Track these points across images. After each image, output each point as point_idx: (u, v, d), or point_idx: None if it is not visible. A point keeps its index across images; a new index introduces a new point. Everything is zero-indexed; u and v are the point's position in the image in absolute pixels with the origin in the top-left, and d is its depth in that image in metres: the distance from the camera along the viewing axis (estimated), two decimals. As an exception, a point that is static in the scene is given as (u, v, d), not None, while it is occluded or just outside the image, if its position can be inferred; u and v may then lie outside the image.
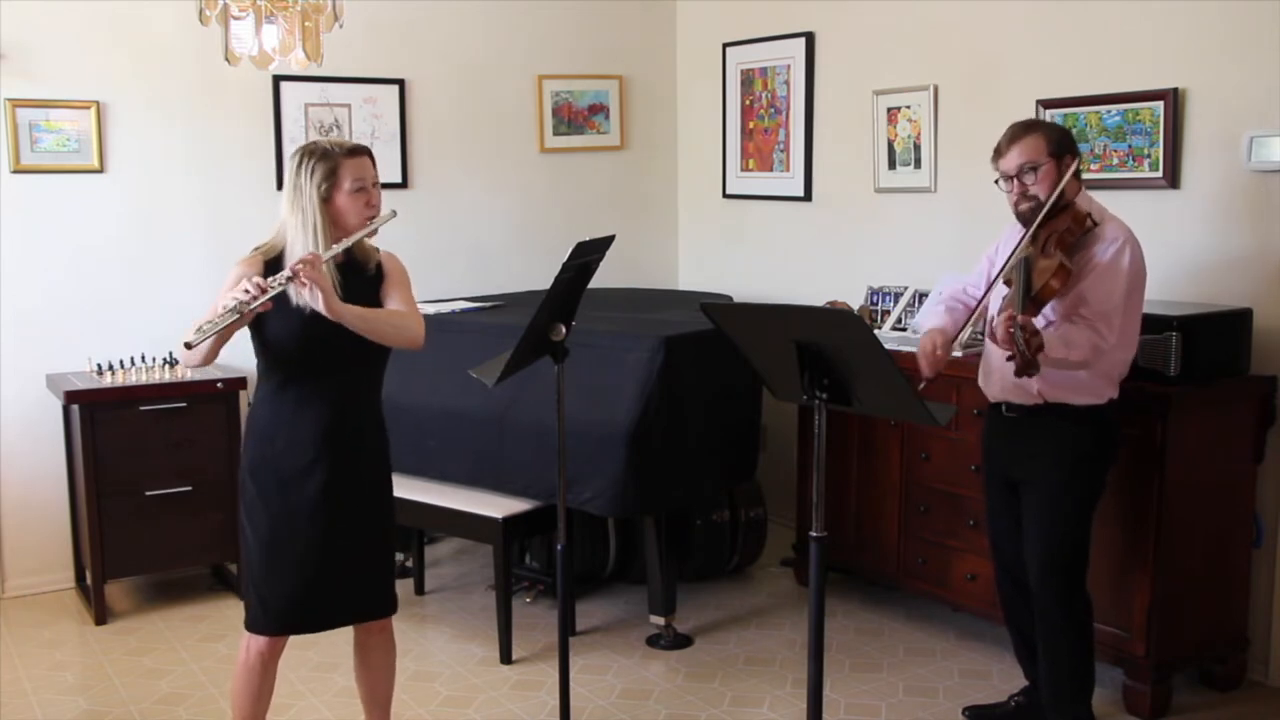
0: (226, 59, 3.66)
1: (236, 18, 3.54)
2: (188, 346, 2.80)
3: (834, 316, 2.76)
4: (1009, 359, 3.09)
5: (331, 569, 2.98)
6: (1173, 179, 4.03)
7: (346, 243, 2.88)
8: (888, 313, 4.79)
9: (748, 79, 5.75)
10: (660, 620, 4.35)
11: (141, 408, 4.60)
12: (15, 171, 4.73)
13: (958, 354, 4.17)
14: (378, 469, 3.08)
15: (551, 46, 5.83)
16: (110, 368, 4.77)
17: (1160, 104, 4.01)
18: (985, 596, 4.08)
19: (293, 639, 3.08)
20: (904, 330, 4.62)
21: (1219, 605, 3.84)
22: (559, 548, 3.23)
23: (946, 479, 4.24)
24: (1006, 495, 3.50)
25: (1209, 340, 3.66)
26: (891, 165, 5.06)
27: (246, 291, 2.75)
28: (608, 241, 3.21)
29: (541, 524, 4.31)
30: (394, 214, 2.97)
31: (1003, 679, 3.94)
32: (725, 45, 5.84)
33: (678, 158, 6.26)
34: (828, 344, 2.65)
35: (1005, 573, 3.57)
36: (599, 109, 5.99)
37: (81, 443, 4.52)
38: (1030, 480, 3.39)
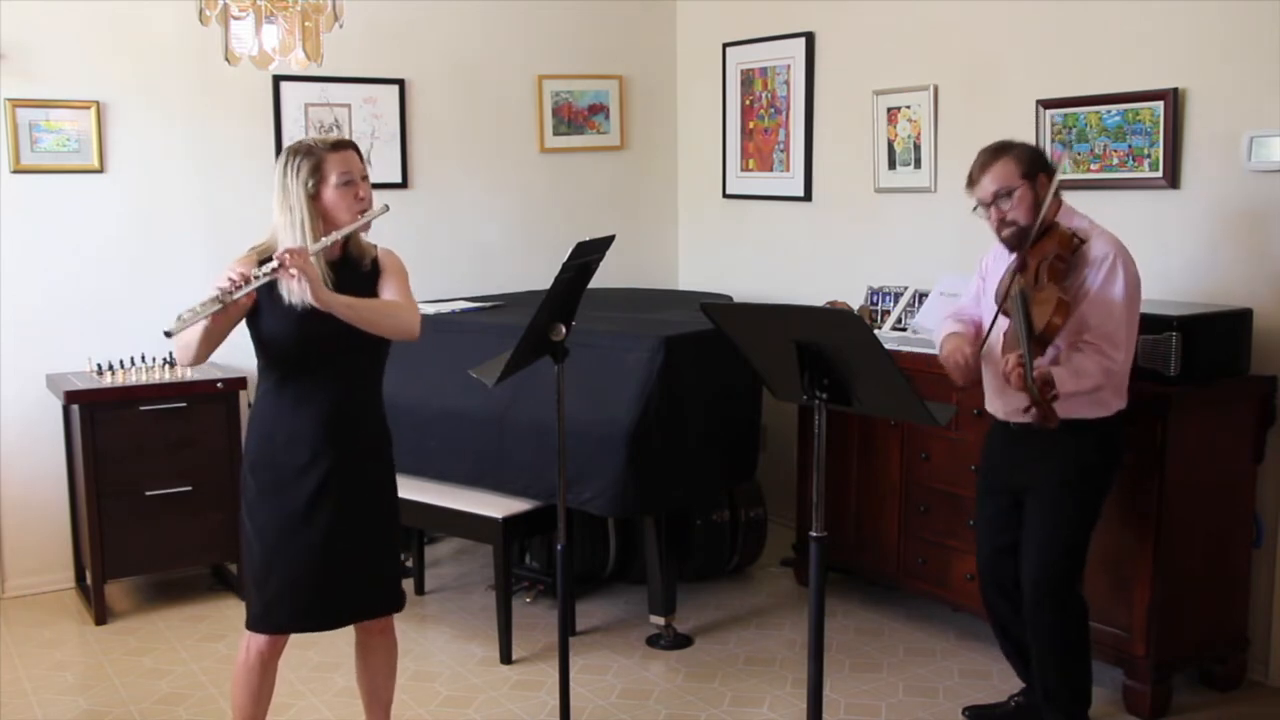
0: (226, 59, 3.66)
1: (236, 18, 3.54)
2: (167, 335, 2.78)
3: (834, 316, 2.76)
4: (1025, 410, 3.12)
5: (332, 567, 2.98)
6: (1173, 179, 4.03)
7: (336, 235, 2.87)
8: (888, 313, 4.79)
9: (748, 79, 5.75)
10: (660, 620, 4.35)
11: (141, 408, 4.60)
12: (15, 171, 4.73)
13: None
14: (379, 466, 3.08)
15: (551, 46, 5.83)
16: (110, 368, 4.77)
17: (1160, 104, 4.01)
18: (985, 596, 4.08)
19: (293, 638, 3.08)
20: (904, 330, 4.62)
21: (1219, 605, 3.84)
22: (559, 548, 3.23)
23: (946, 479, 4.24)
24: (1007, 509, 3.47)
25: (1209, 340, 3.66)
26: (891, 165, 5.06)
27: (230, 280, 2.74)
28: (608, 241, 3.21)
29: (541, 524, 4.31)
30: (386, 208, 2.97)
31: (1003, 679, 3.94)
32: (725, 45, 5.84)
33: (678, 158, 6.26)
34: (828, 344, 2.65)
35: (991, 583, 3.57)
36: (599, 109, 6.00)
37: (81, 443, 4.52)
38: (1034, 488, 3.38)
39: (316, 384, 2.95)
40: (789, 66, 5.51)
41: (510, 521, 4.20)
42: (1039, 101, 4.38)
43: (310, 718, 3.80)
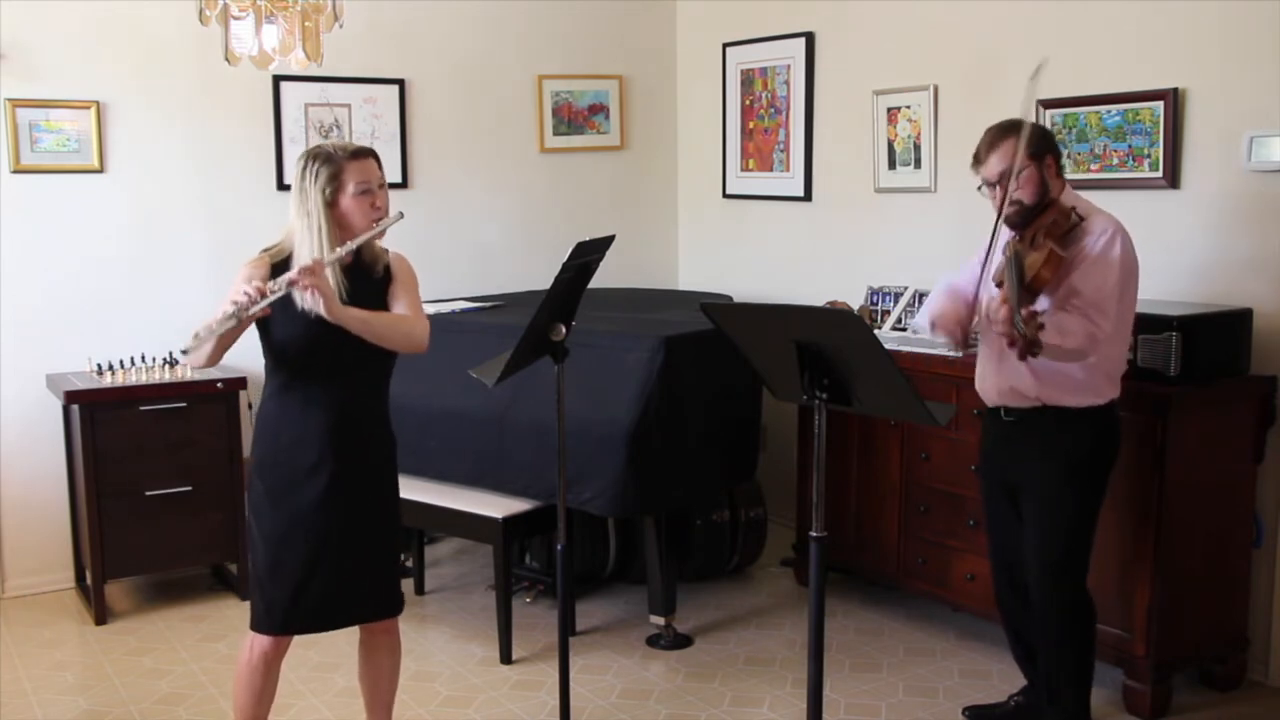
0: (226, 59, 3.66)
1: (236, 18, 3.54)
2: (184, 353, 2.82)
3: (834, 316, 2.76)
4: (1010, 345, 3.06)
5: (336, 569, 2.99)
6: (1173, 179, 4.03)
7: (351, 245, 2.88)
8: (888, 313, 4.79)
9: (748, 79, 5.75)
10: (660, 620, 4.35)
11: (141, 408, 4.60)
12: (15, 171, 4.73)
13: (957, 354, 4.19)
14: (383, 470, 3.09)
15: (551, 46, 5.83)
16: (110, 368, 4.77)
17: (1160, 104, 4.01)
18: (985, 596, 4.07)
19: (294, 639, 3.09)
20: (904, 330, 4.62)
21: (1219, 605, 3.84)
22: (559, 548, 3.23)
23: (946, 479, 4.24)
24: (1005, 501, 3.47)
25: (1209, 340, 3.66)
26: (891, 165, 5.06)
27: (246, 295, 2.76)
28: (608, 241, 3.21)
29: (541, 524, 4.31)
30: (400, 215, 2.97)
31: (1003, 679, 3.94)
32: (725, 45, 5.84)
33: (678, 158, 6.26)
34: (828, 344, 2.65)
35: (1003, 578, 3.56)
36: (599, 109, 6.00)
37: (81, 443, 4.52)
38: (1029, 484, 3.37)
39: (324, 388, 2.96)
40: (789, 66, 5.51)
41: (510, 521, 4.20)
42: (1039, 101, 4.37)
43: (310, 718, 3.80)
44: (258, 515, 3.00)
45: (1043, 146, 3.27)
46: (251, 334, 2.95)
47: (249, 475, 3.04)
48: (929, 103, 4.85)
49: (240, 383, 4.72)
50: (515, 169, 5.82)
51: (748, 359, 2.93)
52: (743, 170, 5.85)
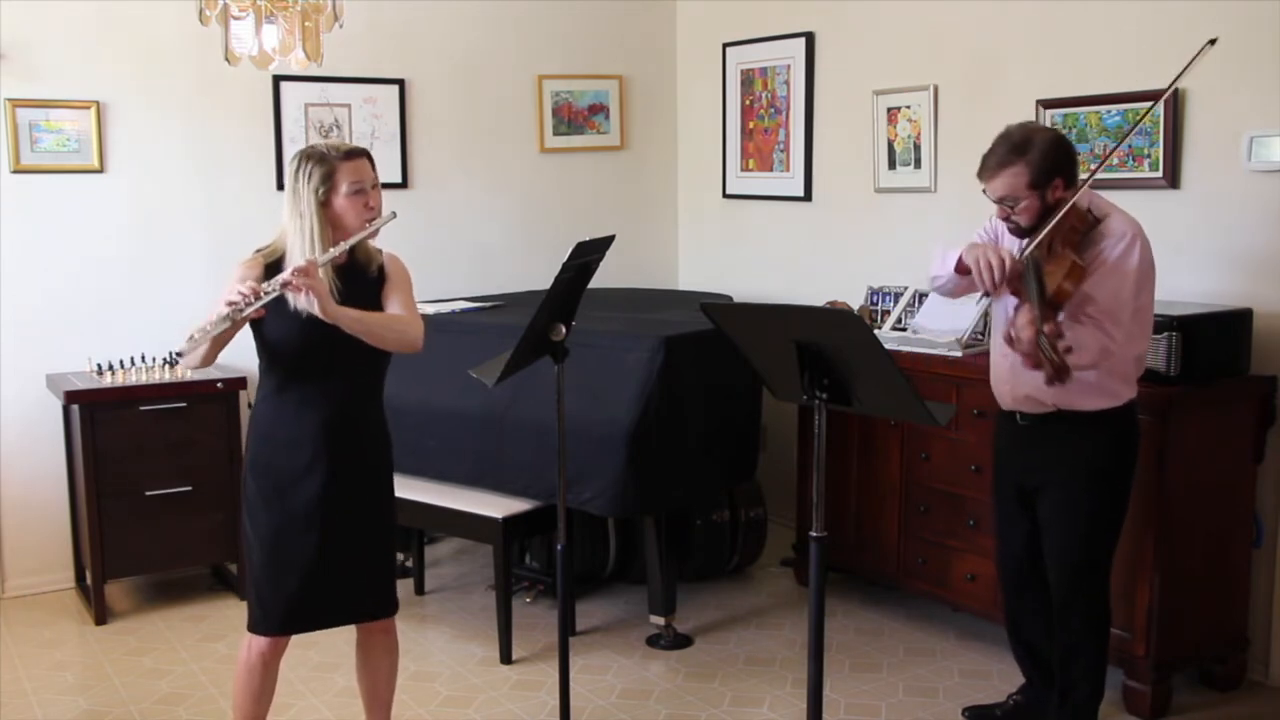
0: (226, 59, 3.66)
1: (236, 18, 3.54)
2: (179, 355, 2.82)
3: (834, 316, 2.75)
4: (1034, 367, 2.97)
5: (332, 569, 2.99)
6: (1173, 179, 4.03)
7: (344, 246, 2.89)
8: (888, 313, 4.79)
9: (748, 79, 5.75)
10: (660, 620, 4.35)
11: (141, 408, 4.60)
12: (15, 171, 4.73)
13: (957, 354, 4.19)
14: (379, 470, 3.09)
15: (551, 46, 5.83)
16: (110, 368, 4.77)
17: (1160, 104, 4.01)
18: (985, 596, 4.08)
19: (293, 639, 3.09)
20: (904, 330, 4.62)
21: (1219, 605, 3.84)
22: (559, 548, 3.23)
23: (946, 479, 4.24)
24: (1017, 503, 3.42)
25: (1209, 340, 3.66)
26: (891, 165, 5.06)
27: (240, 295, 2.76)
28: (608, 241, 3.21)
29: (541, 524, 4.31)
30: (394, 215, 2.98)
31: (1003, 679, 3.94)
32: (725, 45, 5.84)
33: (678, 158, 6.26)
34: (828, 344, 2.65)
35: (1009, 575, 3.53)
36: (599, 109, 6.00)
37: (81, 443, 4.52)
38: (1048, 489, 3.30)
39: (319, 388, 2.96)
40: (789, 66, 5.51)
41: (510, 521, 4.20)
42: (1039, 101, 4.38)
43: (310, 718, 3.80)
44: (252, 516, 3.00)
45: (1050, 173, 3.12)
46: (248, 334, 2.95)
47: (243, 477, 3.04)
48: (929, 103, 4.85)
49: (240, 383, 4.71)
50: (515, 169, 5.82)
51: (748, 359, 2.93)
52: (743, 170, 5.85)
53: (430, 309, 4.77)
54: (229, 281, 2.91)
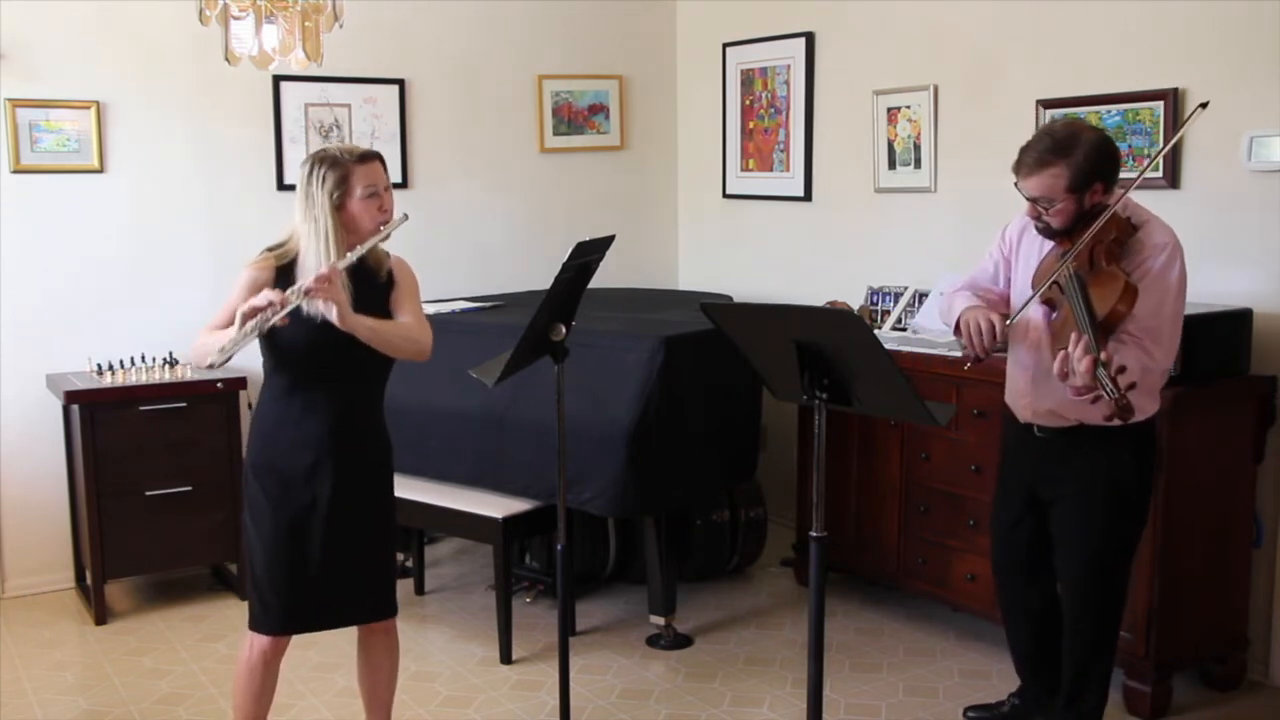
0: (226, 59, 3.66)
1: (236, 18, 3.54)
2: (212, 367, 2.82)
3: (834, 316, 2.75)
4: (1093, 402, 2.74)
5: (333, 570, 3.00)
6: (1173, 179, 4.03)
7: (361, 250, 2.88)
8: (888, 313, 4.79)
9: (748, 79, 5.75)
10: (660, 620, 4.35)
11: (141, 408, 4.60)
12: (15, 171, 4.73)
13: (957, 354, 4.18)
14: (380, 473, 3.09)
15: (551, 46, 5.83)
16: (110, 368, 4.77)
17: (1160, 104, 4.01)
18: (985, 596, 4.07)
19: (294, 639, 3.09)
20: (904, 330, 4.62)
21: (1219, 605, 3.84)
22: (559, 548, 3.23)
23: (946, 479, 4.24)
24: (1023, 506, 3.35)
25: (1209, 340, 3.65)
26: (891, 165, 5.06)
27: (270, 303, 2.74)
28: (608, 241, 3.21)
29: (541, 524, 4.31)
30: (405, 217, 2.97)
31: (1002, 679, 3.94)
32: (725, 45, 5.84)
33: (678, 158, 6.26)
34: (828, 344, 2.64)
35: (1007, 575, 3.51)
36: (599, 109, 6.00)
37: (81, 443, 4.52)
38: (1061, 501, 3.23)
39: (324, 392, 2.96)
40: (789, 66, 5.51)
41: (510, 521, 4.20)
42: (1039, 101, 4.38)
43: (310, 718, 3.80)
44: (255, 516, 3.00)
45: (1091, 177, 2.97)
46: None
47: (245, 477, 3.04)
48: (929, 103, 4.85)
49: (240, 383, 4.72)
50: (515, 169, 5.82)
51: (748, 359, 2.93)
52: (743, 170, 5.85)
53: (430, 309, 4.76)
54: (237, 282, 2.91)
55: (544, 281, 3.11)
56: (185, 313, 4.98)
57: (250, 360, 3.09)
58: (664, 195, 6.25)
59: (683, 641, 4.35)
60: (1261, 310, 3.82)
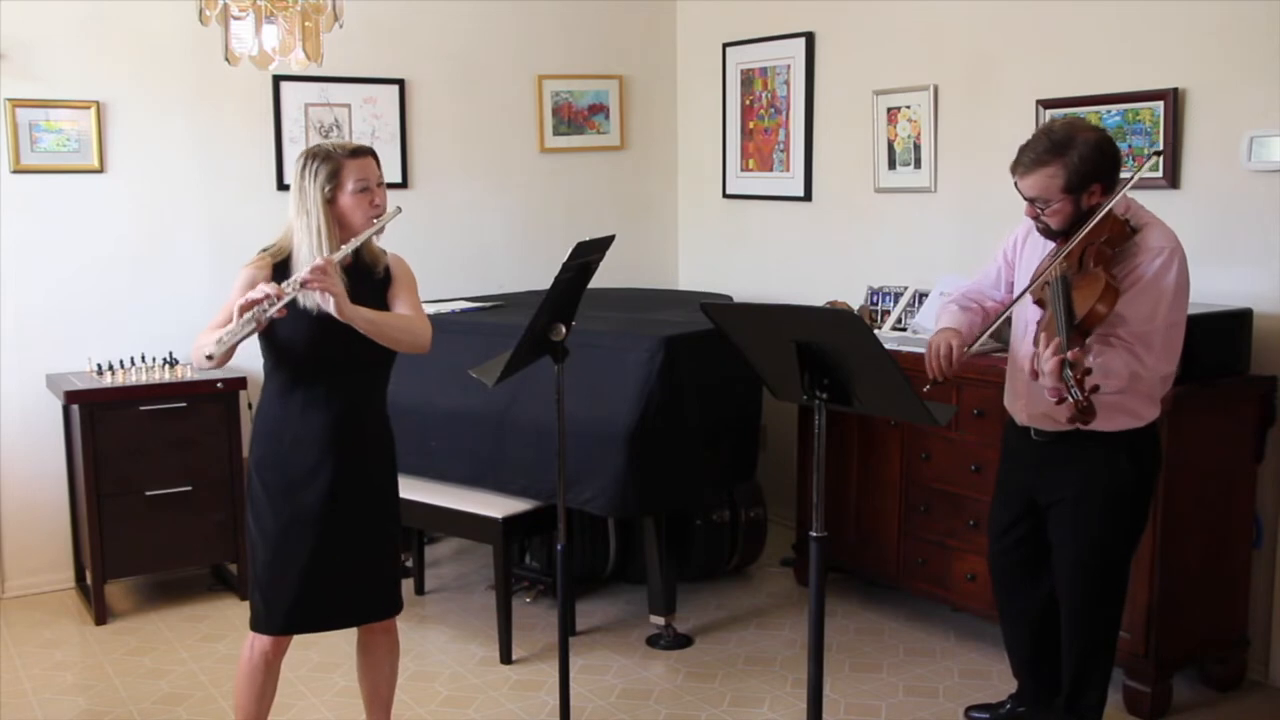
0: (226, 59, 3.66)
1: (236, 18, 3.54)
2: (209, 359, 2.81)
3: (834, 316, 2.74)
4: (1058, 403, 2.75)
5: (336, 569, 2.99)
6: (1173, 179, 4.03)
7: (355, 243, 2.89)
8: (888, 313, 4.79)
9: (748, 79, 5.75)
10: (660, 620, 4.35)
11: (141, 408, 4.60)
12: (15, 171, 4.73)
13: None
14: (383, 471, 3.09)
15: (551, 46, 5.83)
16: (110, 368, 4.77)
17: (1160, 104, 4.01)
18: (985, 596, 4.07)
19: (295, 639, 3.09)
20: (904, 330, 4.62)
21: (1219, 605, 3.84)
22: (559, 548, 3.23)
23: (946, 479, 4.24)
24: (1021, 508, 3.35)
25: (1209, 340, 3.65)
26: (891, 165, 5.06)
27: (266, 296, 2.75)
28: (608, 241, 3.21)
29: (541, 524, 4.31)
30: (399, 210, 2.98)
31: (1002, 679, 3.94)
32: (725, 45, 5.84)
33: (678, 158, 6.26)
34: (828, 344, 2.64)
35: (1004, 581, 3.50)
36: (599, 109, 6.00)
37: (81, 443, 4.52)
38: (1059, 506, 3.21)
39: (326, 388, 2.96)
40: (789, 66, 5.51)
41: (510, 521, 4.20)
42: (1039, 101, 4.38)
43: (310, 718, 3.80)
44: (257, 515, 3.00)
45: (1088, 178, 2.95)
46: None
47: (247, 475, 3.04)
48: (929, 103, 4.85)
49: (240, 383, 4.72)
50: (515, 169, 5.82)
51: (748, 359, 2.93)
52: (743, 170, 5.85)
53: (430, 309, 4.76)
54: (234, 284, 2.91)
55: (544, 281, 3.11)
56: (185, 313, 4.99)
57: (250, 360, 3.09)
58: (664, 195, 6.25)
59: (683, 641, 4.35)
60: (1261, 310, 3.82)
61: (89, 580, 4.69)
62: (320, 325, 2.85)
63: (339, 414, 2.97)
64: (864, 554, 4.61)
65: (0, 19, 4.64)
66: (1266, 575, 3.93)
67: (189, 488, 4.69)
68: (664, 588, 4.32)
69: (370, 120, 5.40)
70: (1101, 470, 3.12)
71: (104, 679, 4.11)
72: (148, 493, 4.62)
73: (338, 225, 2.92)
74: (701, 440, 4.37)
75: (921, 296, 4.67)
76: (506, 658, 4.19)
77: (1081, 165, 2.95)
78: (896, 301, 4.78)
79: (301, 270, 2.80)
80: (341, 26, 3.75)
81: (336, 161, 2.90)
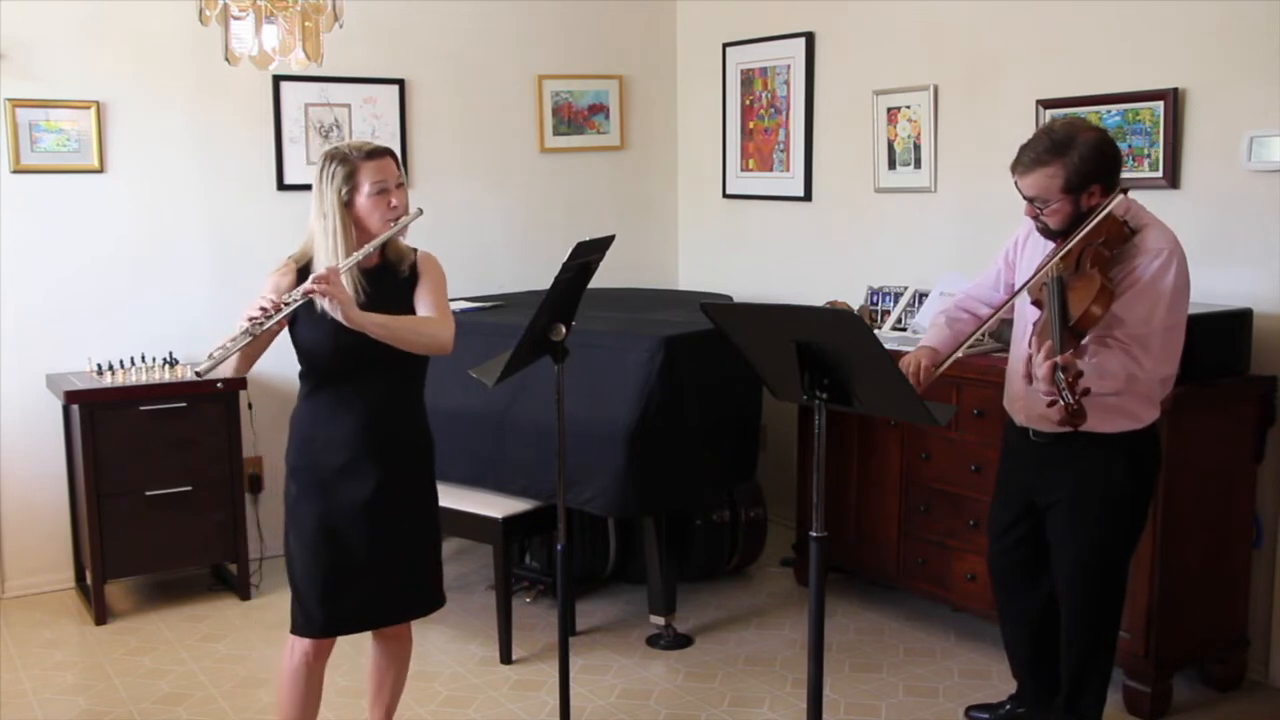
0: (226, 59, 3.66)
1: (236, 18, 3.54)
2: (199, 375, 2.78)
3: (834, 316, 2.74)
4: (1050, 404, 2.76)
5: (376, 569, 2.98)
6: (1173, 179, 4.03)
7: (368, 248, 2.86)
8: (888, 313, 4.79)
9: (748, 79, 5.75)
10: (660, 620, 4.35)
11: (141, 408, 4.60)
12: (15, 171, 4.73)
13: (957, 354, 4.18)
14: (419, 470, 3.07)
15: (551, 46, 5.83)
16: (110, 368, 4.77)
17: (1160, 104, 4.01)
18: (985, 596, 4.07)
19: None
20: (904, 330, 4.62)
21: (1219, 605, 3.85)
22: (559, 548, 3.23)
23: (946, 479, 4.24)
24: (1021, 508, 3.35)
25: (1209, 340, 3.65)
26: (891, 165, 5.06)
27: (262, 310, 2.73)
28: (608, 241, 3.21)
29: (541, 524, 4.31)
30: (420, 212, 2.96)
31: (1002, 679, 3.94)
32: (725, 45, 5.84)
33: (678, 158, 6.26)
34: (828, 344, 2.64)
35: (1003, 581, 3.50)
36: (599, 109, 6.00)
37: (81, 443, 4.51)
38: (1057, 508, 3.21)
39: (353, 391, 2.95)
40: (789, 66, 5.51)
41: (510, 521, 4.20)
42: (1039, 101, 4.38)
43: (310, 718, 3.80)
44: (294, 518, 2.98)
45: (1087, 178, 2.95)
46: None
47: (285, 479, 3.03)
48: (929, 103, 4.85)
49: (240, 383, 4.71)
50: (515, 169, 5.82)
51: (748, 359, 2.93)
52: (743, 170, 5.85)
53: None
54: (263, 291, 2.88)
55: (544, 281, 3.11)
56: (185, 313, 4.99)
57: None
58: (664, 195, 6.25)
59: (683, 641, 4.35)
60: (1261, 310, 3.82)
61: (89, 580, 4.69)
62: (340, 330, 2.82)
63: (367, 415, 2.95)
64: (864, 554, 4.61)
65: (0, 19, 4.64)
66: (1266, 575, 3.93)
67: (189, 488, 4.69)
68: (664, 588, 4.32)
69: (370, 120, 5.40)
70: (1100, 472, 3.12)
71: (104, 679, 4.11)
72: (148, 493, 4.62)
73: (355, 227, 2.90)
74: (701, 440, 4.37)
75: (921, 296, 4.67)
76: (506, 658, 4.19)
77: (1081, 165, 2.95)
78: (896, 301, 4.78)
79: (310, 279, 2.78)
80: (341, 26, 3.75)
81: (352, 164, 2.88)
